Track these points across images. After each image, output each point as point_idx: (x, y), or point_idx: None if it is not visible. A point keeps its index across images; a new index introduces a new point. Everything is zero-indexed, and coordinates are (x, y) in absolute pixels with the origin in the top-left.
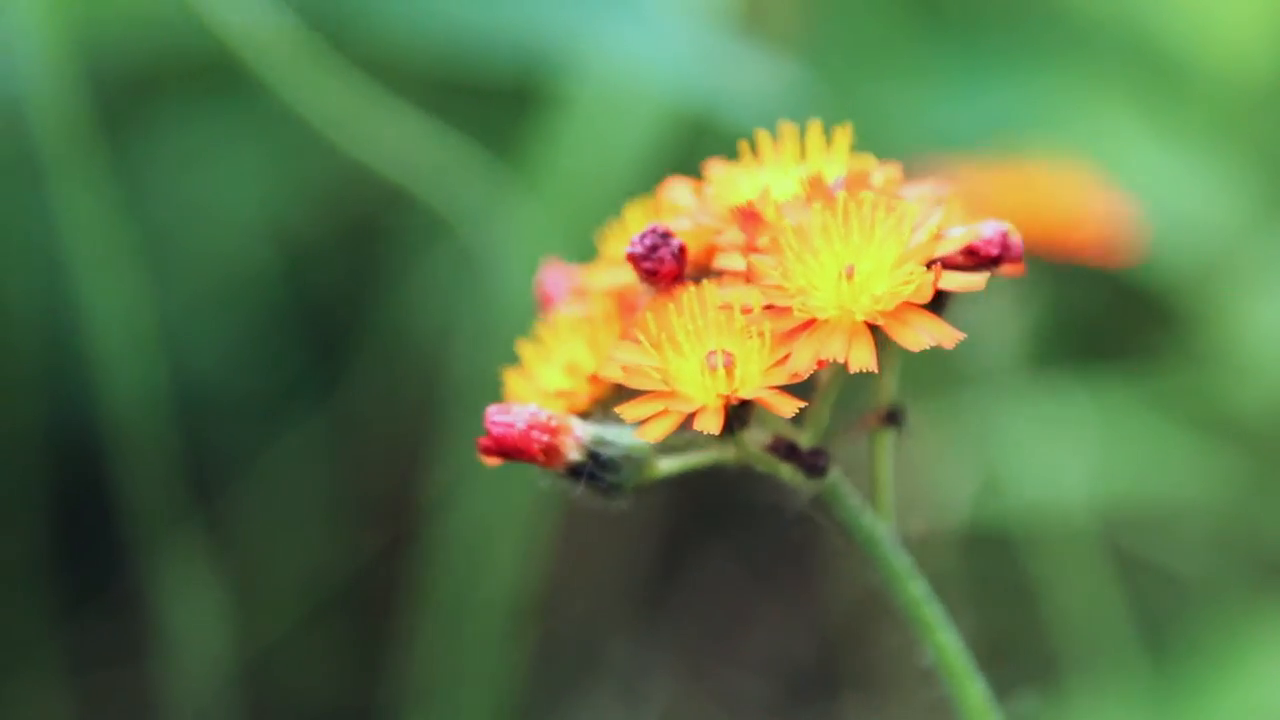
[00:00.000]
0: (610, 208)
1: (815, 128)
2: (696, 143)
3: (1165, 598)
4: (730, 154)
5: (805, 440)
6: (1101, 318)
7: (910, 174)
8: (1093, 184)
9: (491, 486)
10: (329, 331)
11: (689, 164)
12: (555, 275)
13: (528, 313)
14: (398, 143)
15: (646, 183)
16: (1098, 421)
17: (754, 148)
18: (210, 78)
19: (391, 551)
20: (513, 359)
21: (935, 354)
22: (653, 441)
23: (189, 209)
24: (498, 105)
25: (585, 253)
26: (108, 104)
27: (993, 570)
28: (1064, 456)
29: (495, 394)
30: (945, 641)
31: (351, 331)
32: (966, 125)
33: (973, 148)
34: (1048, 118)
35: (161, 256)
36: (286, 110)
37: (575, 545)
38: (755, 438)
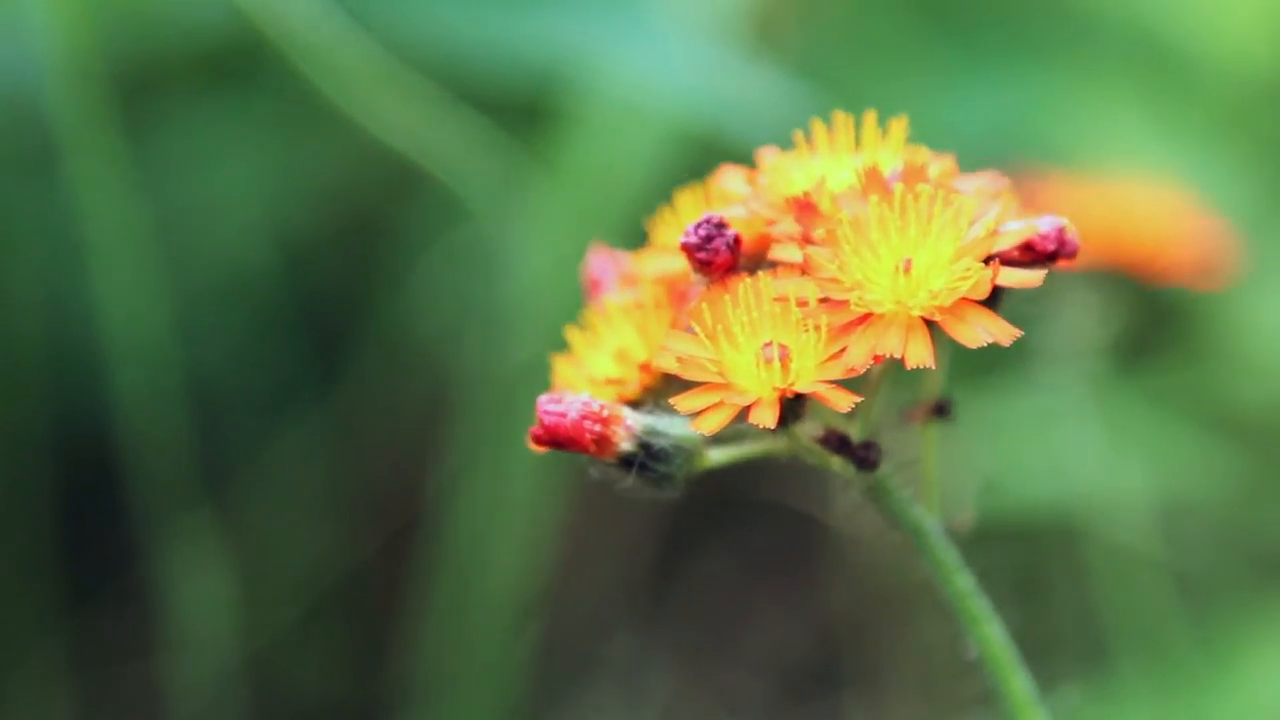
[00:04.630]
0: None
1: (870, 118)
2: (703, 158)
3: (1168, 594)
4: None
5: (856, 433)
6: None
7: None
8: (1182, 205)
9: (494, 482)
10: (330, 327)
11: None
12: (603, 260)
13: (543, 306)
14: (416, 124)
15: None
16: (1103, 418)
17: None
18: (216, 69)
19: (394, 546)
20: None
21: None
22: (708, 433)
23: (192, 205)
24: (501, 120)
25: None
26: (115, 99)
27: (994, 567)
28: (1069, 453)
29: (507, 390)
30: (990, 634)
31: (353, 327)
32: (972, 124)
33: (1067, 160)
34: (1053, 115)
35: (165, 252)
36: (293, 101)
37: (575, 542)
38: (806, 430)
